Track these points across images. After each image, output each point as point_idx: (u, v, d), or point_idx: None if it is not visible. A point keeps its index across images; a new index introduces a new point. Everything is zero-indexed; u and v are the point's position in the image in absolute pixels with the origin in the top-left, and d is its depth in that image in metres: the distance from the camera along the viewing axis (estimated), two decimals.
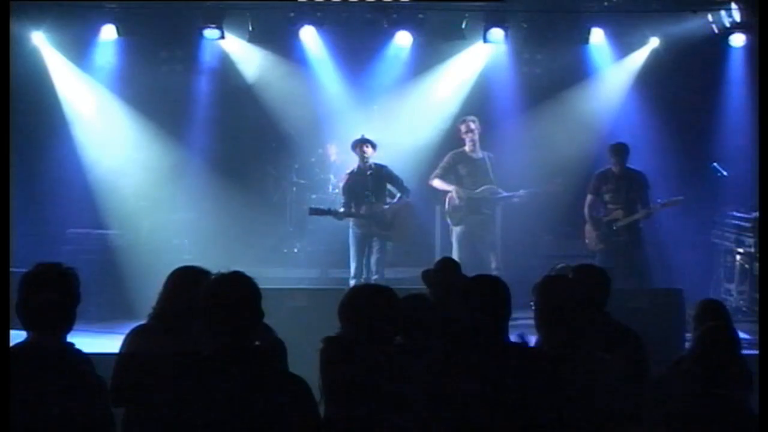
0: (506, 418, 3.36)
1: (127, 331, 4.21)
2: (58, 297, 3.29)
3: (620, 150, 8.68)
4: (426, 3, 9.75)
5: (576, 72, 10.52)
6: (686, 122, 10.42)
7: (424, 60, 10.55)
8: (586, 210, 8.86)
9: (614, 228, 8.67)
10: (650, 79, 10.41)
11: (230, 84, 10.62)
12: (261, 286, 3.16)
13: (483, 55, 10.45)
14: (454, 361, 3.50)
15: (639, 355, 4.31)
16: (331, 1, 9.60)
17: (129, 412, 3.95)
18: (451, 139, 9.52)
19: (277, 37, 10.30)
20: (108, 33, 9.79)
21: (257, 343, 3.33)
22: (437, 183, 8.99)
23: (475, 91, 10.56)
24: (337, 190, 9.76)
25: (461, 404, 3.38)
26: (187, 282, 4.04)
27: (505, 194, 8.90)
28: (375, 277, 8.46)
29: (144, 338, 4.09)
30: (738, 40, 9.75)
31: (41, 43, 9.74)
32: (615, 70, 10.54)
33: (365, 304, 3.71)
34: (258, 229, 10.48)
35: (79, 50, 10.03)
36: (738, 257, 9.44)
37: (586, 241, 8.90)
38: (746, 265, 9.27)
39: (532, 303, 3.98)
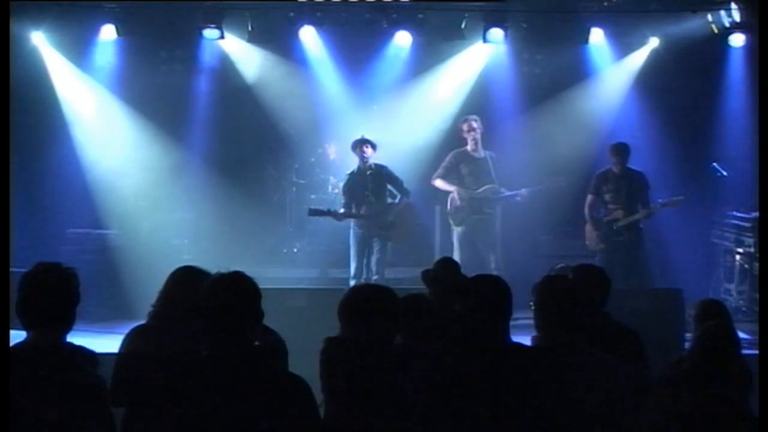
0: (506, 418, 3.36)
1: (126, 331, 4.21)
2: (58, 297, 3.29)
3: (621, 150, 8.69)
4: (426, 3, 9.75)
5: (576, 72, 10.51)
6: (686, 122, 10.42)
7: (424, 60, 10.54)
8: (586, 210, 8.87)
9: (614, 228, 8.67)
10: (650, 79, 10.40)
11: (230, 84, 10.61)
12: (261, 286, 3.16)
13: (483, 55, 10.44)
14: (454, 361, 3.50)
15: (639, 355, 4.31)
16: (330, 1, 9.60)
17: (129, 412, 3.95)
18: (451, 139, 9.52)
19: (276, 37, 10.29)
20: (107, 33, 9.79)
21: (257, 343, 3.33)
22: (439, 183, 8.99)
23: (475, 91, 10.55)
24: (336, 191, 9.76)
25: (461, 404, 3.38)
26: (187, 282, 4.04)
27: (507, 193, 8.90)
28: (375, 277, 8.46)
29: (144, 338, 4.09)
30: (738, 40, 9.74)
31: (41, 43, 9.74)
32: (615, 70, 10.54)
33: (365, 304, 3.70)
34: (258, 229, 10.48)
35: (79, 50, 10.02)
36: (738, 257, 9.44)
37: (587, 241, 8.90)
38: (746, 265, 9.27)
39: (531, 303, 3.98)
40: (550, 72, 10.57)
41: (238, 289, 3.10)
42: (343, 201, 8.80)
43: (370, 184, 8.53)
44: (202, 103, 10.59)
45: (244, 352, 3.06)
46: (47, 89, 9.98)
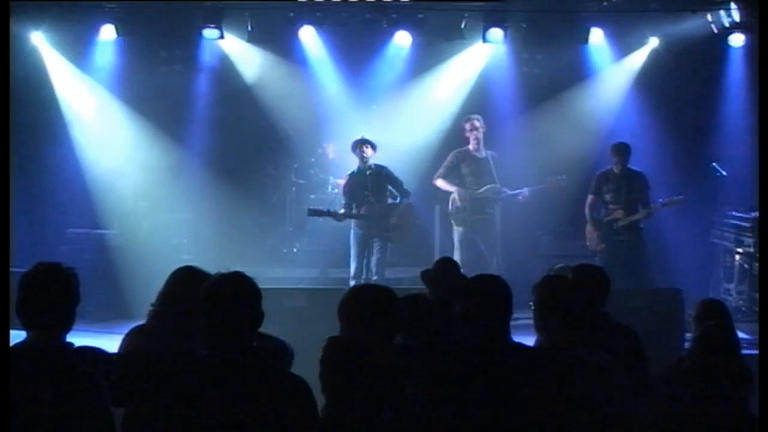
0: (506, 418, 3.36)
1: (126, 331, 4.20)
2: (57, 297, 3.29)
3: (622, 150, 8.68)
4: (426, 3, 9.75)
5: (576, 72, 10.52)
6: (686, 122, 10.42)
7: (424, 60, 10.55)
8: (586, 210, 8.87)
9: (615, 228, 8.67)
10: (650, 79, 10.41)
11: (229, 84, 10.62)
12: (261, 286, 3.16)
13: (482, 55, 10.45)
14: (455, 361, 3.50)
15: (639, 355, 4.31)
16: (330, 1, 9.60)
17: (129, 412, 3.95)
18: (451, 139, 9.52)
19: (276, 37, 10.30)
20: (107, 33, 9.80)
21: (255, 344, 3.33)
22: (440, 183, 8.99)
23: (475, 91, 10.56)
24: (336, 191, 9.76)
25: (461, 404, 3.37)
26: (187, 282, 4.03)
27: (509, 193, 8.89)
28: (375, 277, 8.45)
29: (143, 338, 4.08)
30: (737, 40, 9.75)
31: (40, 43, 9.75)
32: (615, 70, 10.54)
33: (365, 304, 3.70)
34: (257, 229, 10.48)
35: (79, 50, 10.03)
36: (737, 257, 9.44)
37: (587, 241, 8.90)
38: (746, 265, 9.27)
39: (531, 303, 3.98)
40: (550, 72, 10.57)
41: (238, 289, 3.09)
42: (343, 201, 8.80)
43: (370, 184, 8.53)
44: (201, 104, 10.60)
45: (244, 353, 3.06)
46: (47, 89, 9.99)
